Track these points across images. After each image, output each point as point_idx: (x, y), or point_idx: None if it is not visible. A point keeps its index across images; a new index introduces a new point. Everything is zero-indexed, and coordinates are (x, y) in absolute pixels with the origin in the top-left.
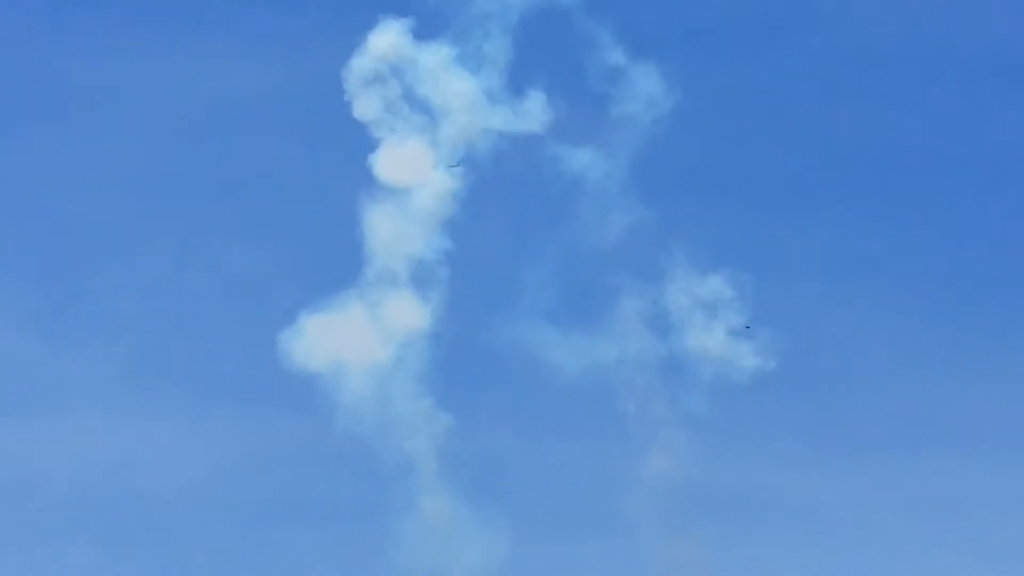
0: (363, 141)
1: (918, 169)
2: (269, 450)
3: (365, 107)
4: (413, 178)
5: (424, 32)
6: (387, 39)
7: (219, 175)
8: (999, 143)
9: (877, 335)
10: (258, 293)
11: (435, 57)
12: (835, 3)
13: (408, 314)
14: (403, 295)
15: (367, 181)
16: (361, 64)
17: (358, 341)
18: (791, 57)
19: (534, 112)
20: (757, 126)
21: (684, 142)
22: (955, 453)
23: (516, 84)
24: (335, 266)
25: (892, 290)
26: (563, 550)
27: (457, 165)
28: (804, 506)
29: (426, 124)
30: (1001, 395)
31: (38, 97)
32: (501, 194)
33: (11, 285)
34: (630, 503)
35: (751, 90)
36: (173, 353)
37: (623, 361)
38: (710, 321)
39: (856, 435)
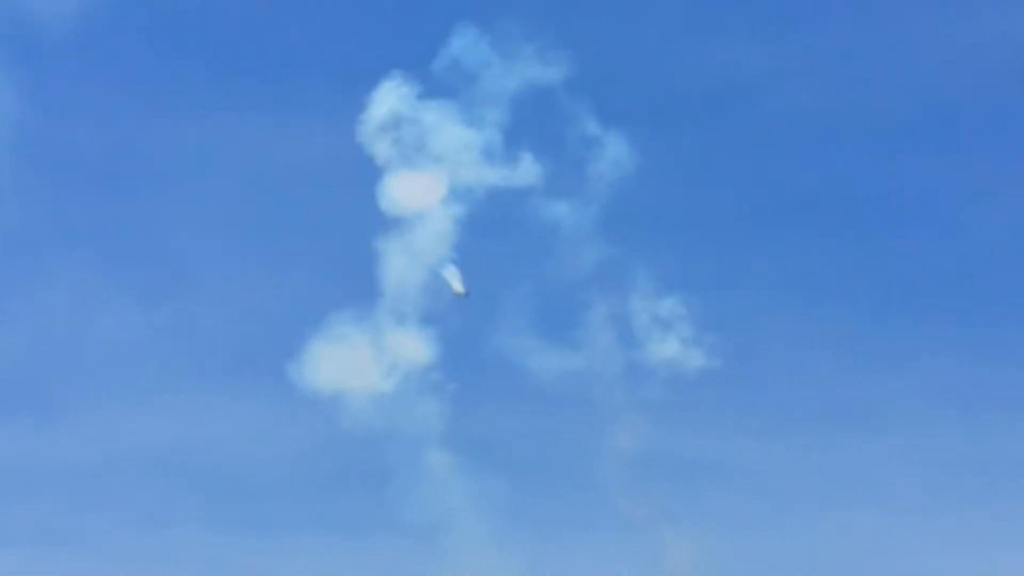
0: (376, 182)
1: (834, 209)
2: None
3: (378, 151)
4: (419, 212)
5: (431, 95)
6: (400, 92)
7: (276, 218)
8: (899, 188)
9: (802, 339)
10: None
11: (441, 112)
12: (766, 82)
13: (415, 345)
14: (410, 324)
15: (379, 218)
16: (374, 113)
17: (370, 360)
18: (730, 125)
19: (523, 169)
20: (704, 179)
21: (645, 194)
22: (863, 429)
23: (509, 146)
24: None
25: (814, 303)
26: (546, 507)
27: (467, 294)
28: (742, 471)
29: (431, 166)
30: (900, 383)
31: (153, 153)
32: (492, 233)
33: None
34: (599, 470)
35: (699, 151)
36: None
37: (592, 364)
38: (665, 334)
39: (786, 416)
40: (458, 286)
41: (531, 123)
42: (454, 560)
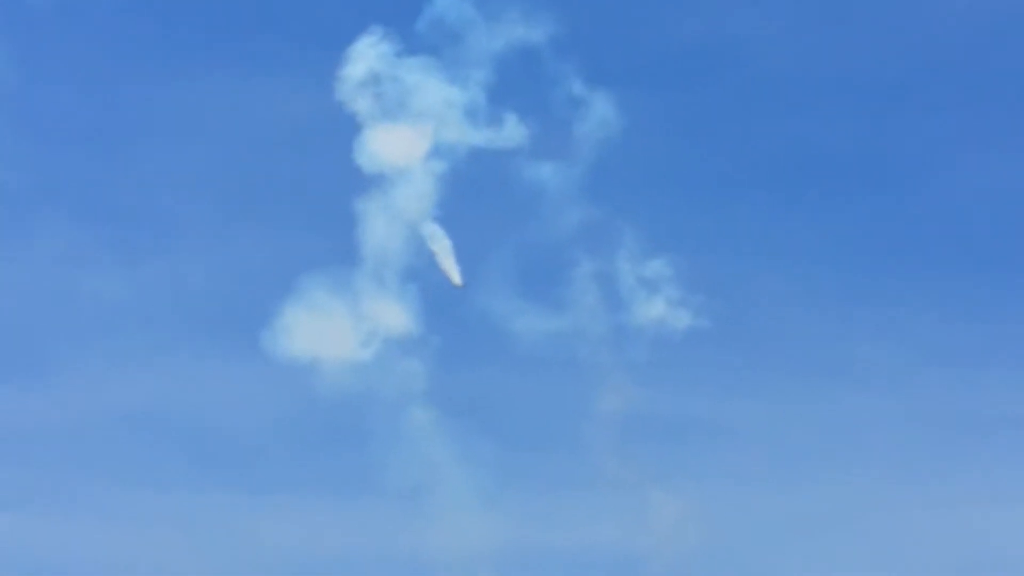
0: (356, 140)
1: (822, 168)
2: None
3: (358, 107)
4: (401, 168)
5: (412, 53)
6: (380, 49)
7: (258, 177)
8: (887, 148)
9: (790, 298)
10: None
11: (423, 70)
12: (754, 42)
13: (397, 306)
14: (392, 287)
15: (359, 177)
16: (354, 70)
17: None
18: (718, 86)
19: (507, 130)
20: (691, 140)
21: (631, 155)
22: (852, 386)
23: (493, 106)
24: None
25: (802, 263)
26: (532, 467)
27: (462, 286)
28: (730, 430)
29: (413, 123)
30: (889, 340)
31: (133, 114)
32: (476, 194)
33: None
34: (585, 430)
35: (687, 112)
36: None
37: (578, 325)
38: (652, 295)
39: (774, 375)
40: (456, 277)
41: (516, 83)
42: (439, 521)
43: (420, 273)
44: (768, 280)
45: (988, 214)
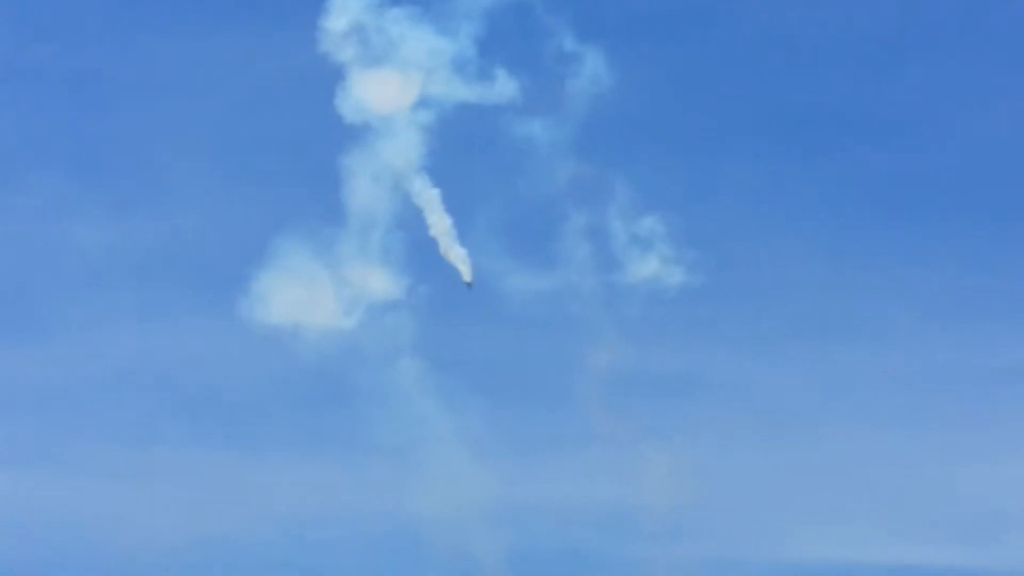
0: (340, 93)
1: (818, 123)
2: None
3: (342, 56)
4: (387, 118)
5: (400, 3)
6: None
7: (250, 132)
8: (884, 102)
9: (786, 254)
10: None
11: (410, 20)
12: None
13: (381, 279)
14: (378, 248)
15: (344, 131)
16: (338, 19)
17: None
18: (711, 41)
19: (497, 85)
20: (685, 95)
21: (624, 111)
22: (849, 342)
23: (483, 61)
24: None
25: (799, 218)
26: (523, 425)
27: (470, 284)
28: (726, 387)
29: (400, 72)
30: (887, 295)
31: (124, 70)
32: (465, 151)
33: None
34: (577, 387)
35: (678, 67)
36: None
37: (569, 283)
38: (644, 252)
39: (770, 331)
40: (467, 274)
41: (506, 37)
42: (428, 478)
43: (407, 228)
44: (764, 236)
45: (990, 167)
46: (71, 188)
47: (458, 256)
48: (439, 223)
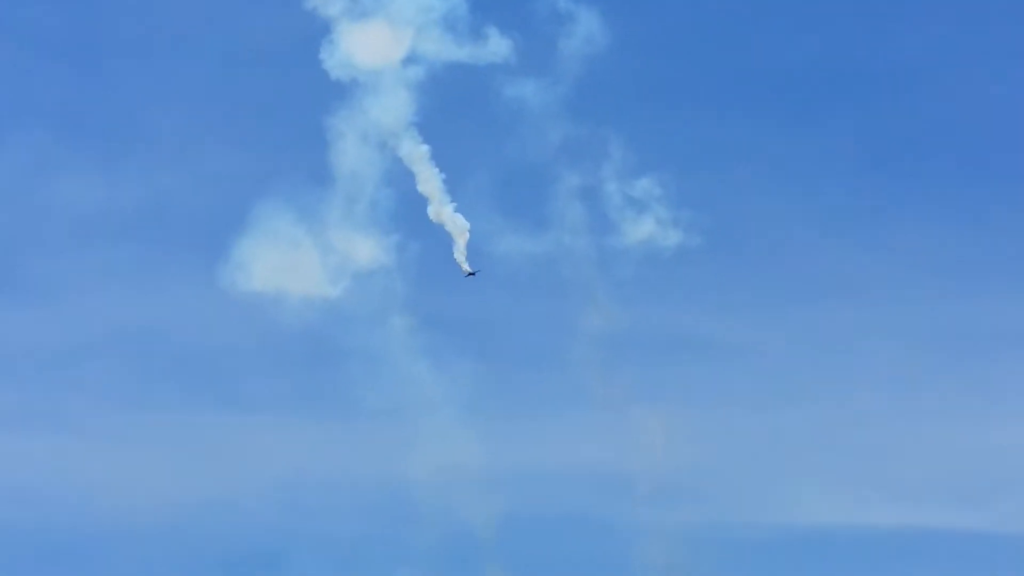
0: (328, 51)
1: (815, 83)
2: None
3: (329, 11)
4: (376, 73)
5: None
6: None
7: (226, 91)
8: (878, 62)
9: (783, 214)
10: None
11: None
12: None
13: (368, 246)
14: (367, 212)
15: (331, 88)
16: None
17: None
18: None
19: (490, 45)
20: (679, 54)
21: (617, 70)
22: (846, 302)
23: (474, 19)
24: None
25: (795, 178)
26: (516, 387)
27: (473, 273)
28: (723, 348)
29: (389, 28)
30: (884, 256)
31: (112, 30)
32: (456, 111)
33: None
34: (571, 349)
35: (673, 27)
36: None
37: (563, 244)
38: (640, 214)
39: (767, 292)
40: (466, 266)
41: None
42: (420, 442)
43: (396, 188)
44: (760, 196)
45: (989, 126)
46: (59, 144)
47: (455, 227)
48: (430, 183)
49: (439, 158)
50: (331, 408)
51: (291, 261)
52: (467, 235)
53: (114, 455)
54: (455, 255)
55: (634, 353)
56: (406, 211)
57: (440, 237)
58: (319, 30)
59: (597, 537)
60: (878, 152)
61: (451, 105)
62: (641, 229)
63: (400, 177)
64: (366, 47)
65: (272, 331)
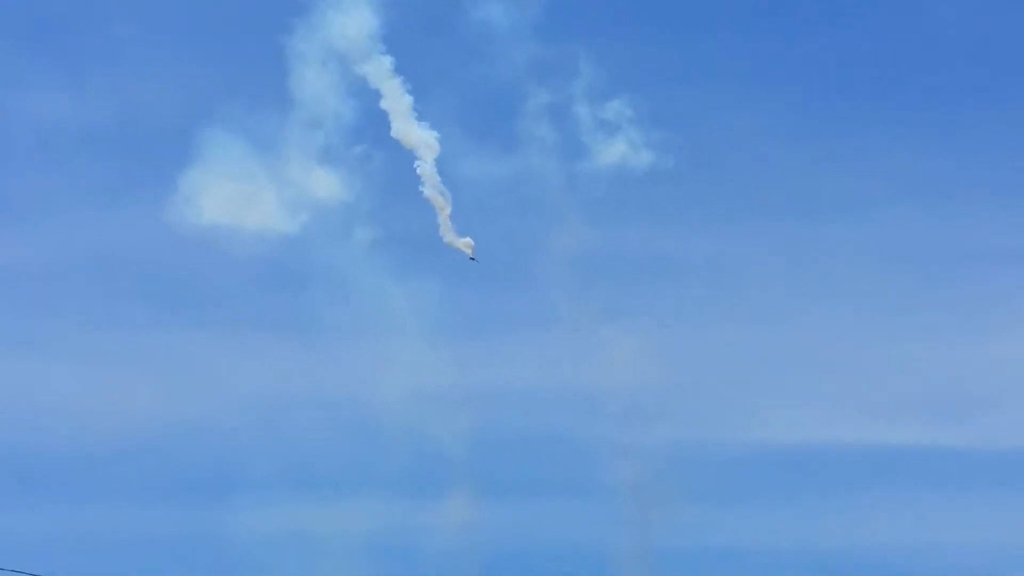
0: None
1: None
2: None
3: None
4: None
5: None
6: None
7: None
8: None
9: (759, 133)
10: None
11: None
12: None
13: (326, 183)
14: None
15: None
16: None
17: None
18: None
19: None
20: None
21: None
22: (823, 221)
23: None
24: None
25: (771, 97)
26: (485, 307)
27: (473, 259)
28: (697, 267)
29: None
30: (861, 174)
31: None
32: (420, 33)
33: None
34: (540, 269)
35: None
36: None
37: (532, 165)
38: (611, 136)
39: (740, 210)
40: (469, 251)
41: None
42: (393, 361)
43: (360, 104)
44: (734, 115)
45: (962, 42)
46: (22, 54)
47: (422, 145)
48: (395, 100)
49: (405, 79)
50: (298, 329)
51: (245, 194)
52: (436, 150)
53: (82, 374)
54: (440, 229)
55: (605, 273)
56: (370, 128)
57: (405, 157)
58: None
59: (567, 456)
60: (852, 70)
61: (417, 26)
62: (612, 151)
63: (364, 95)
64: None
65: (233, 259)
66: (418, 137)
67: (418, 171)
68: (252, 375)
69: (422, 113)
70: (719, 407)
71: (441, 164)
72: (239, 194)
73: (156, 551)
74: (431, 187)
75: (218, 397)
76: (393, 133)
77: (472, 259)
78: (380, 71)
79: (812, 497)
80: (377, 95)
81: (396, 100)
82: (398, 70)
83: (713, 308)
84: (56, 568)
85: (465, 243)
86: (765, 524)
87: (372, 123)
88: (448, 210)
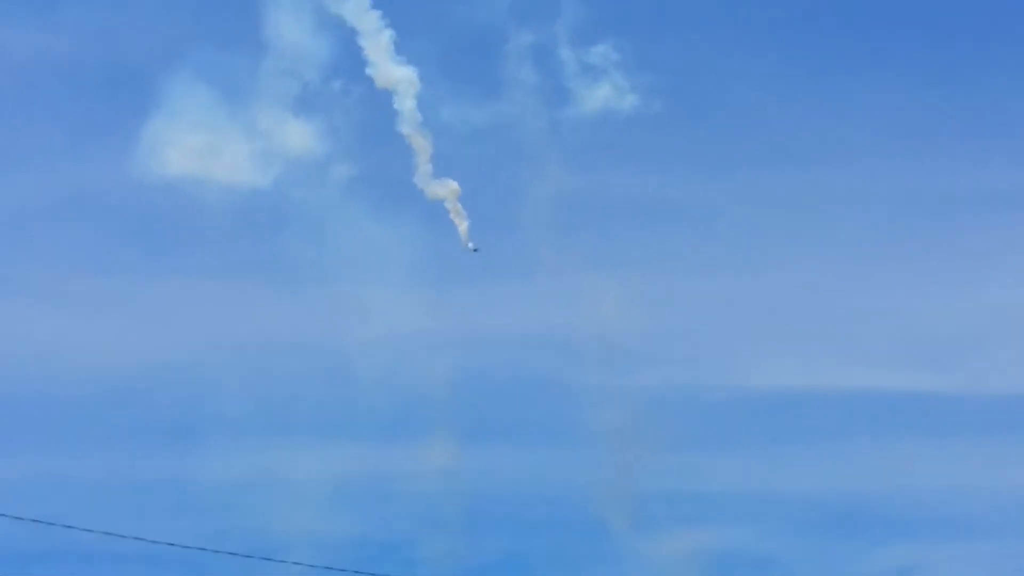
0: None
1: None
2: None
3: None
4: None
5: None
6: None
7: None
8: None
9: (746, 78)
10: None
11: None
12: None
13: (301, 134)
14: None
15: None
16: None
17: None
18: None
19: None
20: None
21: None
22: (810, 167)
23: None
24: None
25: (759, 41)
26: (465, 253)
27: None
28: (679, 213)
29: None
30: (849, 120)
31: None
32: None
33: None
34: (523, 214)
35: None
36: None
37: (514, 109)
38: (596, 81)
39: (726, 156)
40: (470, 244)
41: None
42: (373, 305)
43: (335, 42)
44: (721, 60)
45: None
46: None
47: (401, 85)
48: (373, 37)
49: (382, 15)
50: (274, 273)
51: (214, 145)
52: (416, 85)
53: (54, 319)
54: (418, 173)
55: (588, 218)
56: (346, 65)
57: (383, 96)
58: None
59: (549, 401)
60: (842, 13)
61: None
62: (597, 95)
63: (340, 31)
64: None
65: (205, 206)
66: (397, 74)
67: (396, 107)
68: (228, 320)
69: (401, 53)
70: (703, 353)
71: (421, 107)
72: (207, 145)
73: (130, 494)
74: (410, 125)
75: (193, 342)
76: (370, 70)
77: (475, 250)
78: (357, 8)
79: (797, 443)
80: (354, 33)
81: (374, 37)
82: (375, 6)
83: (698, 254)
84: (29, 511)
85: (451, 190)
86: (750, 469)
87: (349, 61)
88: (429, 151)
